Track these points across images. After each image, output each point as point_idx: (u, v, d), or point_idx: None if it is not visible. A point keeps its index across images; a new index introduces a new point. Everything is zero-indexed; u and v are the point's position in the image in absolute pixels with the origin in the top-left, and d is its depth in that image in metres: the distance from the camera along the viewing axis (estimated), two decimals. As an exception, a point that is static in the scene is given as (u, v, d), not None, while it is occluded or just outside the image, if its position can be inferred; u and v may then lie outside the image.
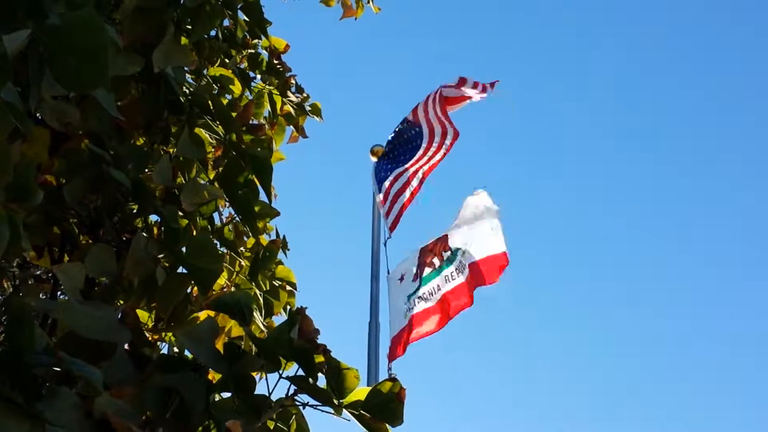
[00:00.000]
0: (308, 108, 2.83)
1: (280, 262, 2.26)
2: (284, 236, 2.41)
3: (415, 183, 6.64)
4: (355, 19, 3.61)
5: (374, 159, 6.94)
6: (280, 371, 1.31)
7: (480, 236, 6.28)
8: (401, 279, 6.30)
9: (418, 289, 6.16)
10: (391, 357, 5.91)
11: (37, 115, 1.46)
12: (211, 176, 1.92)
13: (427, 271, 6.26)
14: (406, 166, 6.65)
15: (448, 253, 6.32)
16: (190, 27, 1.86)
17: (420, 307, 6.08)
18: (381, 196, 6.57)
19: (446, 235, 6.44)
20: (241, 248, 2.14)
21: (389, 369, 5.88)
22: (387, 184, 6.58)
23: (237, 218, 2.14)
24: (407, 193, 6.59)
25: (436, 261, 6.31)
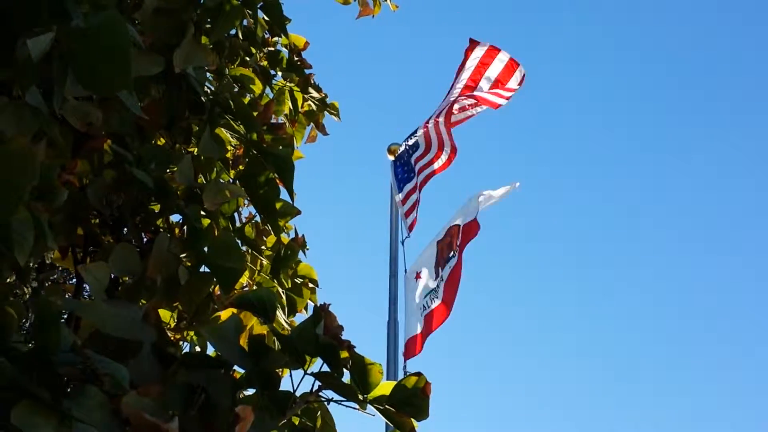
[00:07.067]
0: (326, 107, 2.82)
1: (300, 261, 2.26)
2: (303, 235, 2.41)
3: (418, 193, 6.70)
4: (372, 17, 3.58)
5: (391, 158, 6.94)
6: (305, 367, 1.31)
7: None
8: (417, 277, 6.28)
9: (438, 286, 6.14)
10: (408, 355, 5.90)
11: (60, 115, 1.46)
12: (233, 175, 1.92)
13: (441, 269, 6.24)
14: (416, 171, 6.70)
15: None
16: (209, 27, 1.86)
17: (435, 303, 6.06)
18: (401, 195, 6.58)
19: (457, 227, 6.40)
20: (263, 246, 2.14)
21: (404, 367, 5.87)
22: (410, 186, 6.59)
23: (257, 217, 2.15)
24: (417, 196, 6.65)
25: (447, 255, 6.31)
